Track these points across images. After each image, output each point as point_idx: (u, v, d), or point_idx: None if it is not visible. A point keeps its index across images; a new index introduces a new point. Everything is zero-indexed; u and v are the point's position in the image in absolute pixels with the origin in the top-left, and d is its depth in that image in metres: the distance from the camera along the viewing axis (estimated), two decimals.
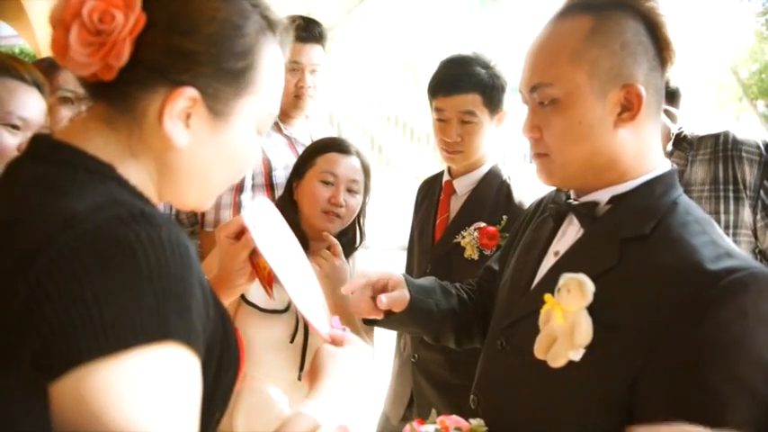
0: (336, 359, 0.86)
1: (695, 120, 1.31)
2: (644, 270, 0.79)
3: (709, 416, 0.68)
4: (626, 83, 0.83)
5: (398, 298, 1.08)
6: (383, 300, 1.06)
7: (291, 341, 1.44)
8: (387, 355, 1.78)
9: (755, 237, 1.19)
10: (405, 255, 1.80)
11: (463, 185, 1.61)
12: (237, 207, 1.97)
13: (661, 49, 0.85)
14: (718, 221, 1.17)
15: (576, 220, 0.92)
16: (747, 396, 0.70)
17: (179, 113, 0.63)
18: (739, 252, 0.79)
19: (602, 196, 0.88)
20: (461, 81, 1.51)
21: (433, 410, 0.86)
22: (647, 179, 0.86)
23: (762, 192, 1.17)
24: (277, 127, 2.06)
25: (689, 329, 0.72)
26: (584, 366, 0.78)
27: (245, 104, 0.68)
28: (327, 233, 1.41)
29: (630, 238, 0.82)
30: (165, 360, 0.53)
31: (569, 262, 0.87)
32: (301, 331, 1.45)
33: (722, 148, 1.21)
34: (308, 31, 1.99)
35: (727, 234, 1.15)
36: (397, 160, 9.85)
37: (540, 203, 1.11)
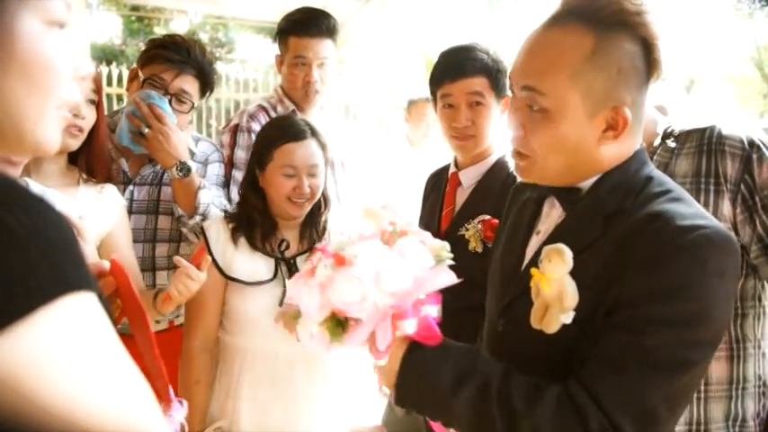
0: None
1: (685, 114, 1.31)
2: (621, 234, 0.85)
3: (632, 346, 0.79)
4: (615, 105, 0.87)
5: None
6: None
7: (280, 304, 1.50)
8: None
9: (735, 231, 1.19)
10: None
11: (469, 177, 1.61)
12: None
13: (651, 68, 0.90)
14: None
15: (557, 203, 0.96)
16: (673, 335, 0.78)
17: None
18: (709, 216, 0.86)
19: (584, 185, 0.93)
20: (467, 65, 1.52)
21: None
22: (622, 161, 0.92)
23: (742, 185, 1.18)
24: (294, 115, 2.09)
25: (651, 272, 0.80)
26: (575, 327, 0.85)
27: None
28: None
29: (613, 214, 0.88)
30: (76, 312, 0.50)
31: (555, 240, 0.92)
32: None
33: (707, 142, 1.22)
34: (315, 25, 2.00)
35: None
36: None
37: (519, 187, 1.15)
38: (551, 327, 0.87)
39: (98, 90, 1.48)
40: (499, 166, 1.59)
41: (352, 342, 0.87)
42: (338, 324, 0.87)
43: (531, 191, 1.02)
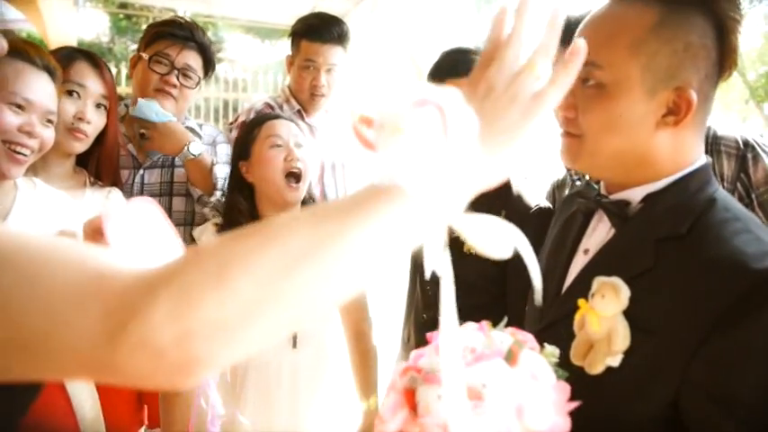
0: None
1: None
2: (682, 271, 0.74)
3: (754, 412, 0.68)
4: (679, 85, 0.78)
5: None
6: None
7: None
8: (391, 344, 1.79)
9: None
10: None
11: None
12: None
13: (723, 56, 0.80)
14: None
15: (606, 218, 0.88)
16: None
17: None
18: None
19: (635, 195, 0.84)
20: (459, 66, 1.54)
21: (506, 319, 0.74)
22: (681, 175, 0.82)
23: (738, 184, 1.23)
24: (300, 115, 2.14)
25: (733, 332, 0.69)
26: (623, 371, 0.75)
27: None
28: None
29: (666, 239, 0.78)
30: None
31: (602, 264, 0.84)
32: None
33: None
34: (327, 31, 2.06)
35: None
36: None
37: (568, 199, 1.05)
38: (595, 368, 0.77)
39: (110, 96, 1.48)
40: None
41: None
42: None
43: (579, 203, 0.93)
